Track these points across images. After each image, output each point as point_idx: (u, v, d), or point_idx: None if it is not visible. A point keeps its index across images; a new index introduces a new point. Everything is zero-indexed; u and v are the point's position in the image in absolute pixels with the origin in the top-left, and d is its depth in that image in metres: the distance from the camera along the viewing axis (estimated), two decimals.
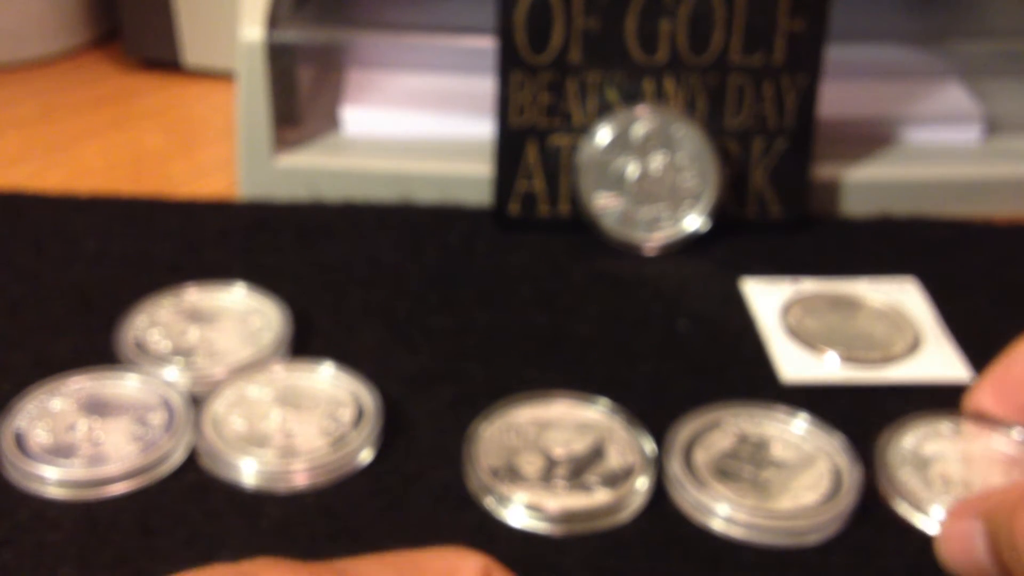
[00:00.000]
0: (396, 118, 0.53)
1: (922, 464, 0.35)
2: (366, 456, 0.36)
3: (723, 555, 0.33)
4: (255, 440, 0.36)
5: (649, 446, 0.36)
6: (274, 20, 0.50)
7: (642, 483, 0.35)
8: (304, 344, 0.41)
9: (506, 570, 0.26)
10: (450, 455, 0.36)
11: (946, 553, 0.31)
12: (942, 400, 0.38)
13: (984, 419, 0.36)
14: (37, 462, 0.35)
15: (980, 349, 0.41)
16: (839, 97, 0.52)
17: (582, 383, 0.39)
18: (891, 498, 0.35)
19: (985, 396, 0.37)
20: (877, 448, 0.36)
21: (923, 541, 0.33)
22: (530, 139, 0.48)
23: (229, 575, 0.23)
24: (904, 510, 0.34)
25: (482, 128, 0.51)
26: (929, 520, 0.34)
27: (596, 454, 0.35)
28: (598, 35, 0.47)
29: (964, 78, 0.57)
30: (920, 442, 0.36)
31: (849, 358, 0.41)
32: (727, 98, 0.48)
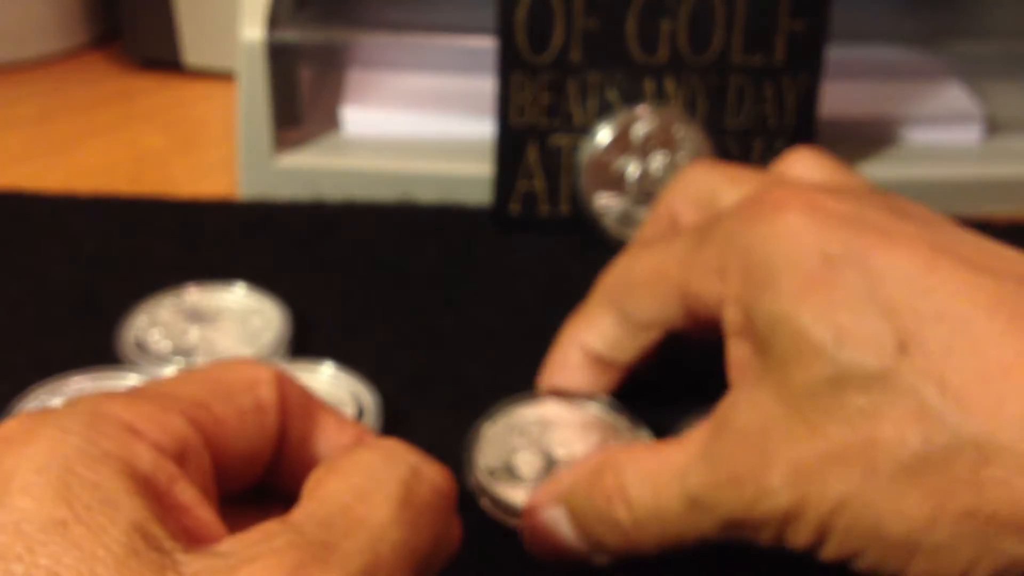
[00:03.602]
0: (396, 118, 0.53)
1: None
2: None
3: (726, 554, 0.33)
4: None
5: None
6: (274, 20, 0.50)
7: None
8: (304, 344, 0.41)
9: (296, 382, 0.27)
10: (450, 455, 0.36)
11: (536, 548, 0.31)
12: None
13: (563, 393, 0.37)
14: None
15: None
16: (839, 97, 0.52)
17: None
18: None
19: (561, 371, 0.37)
20: None
21: None
22: (530, 139, 0.48)
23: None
24: None
25: (482, 128, 0.51)
26: None
27: None
28: (598, 35, 0.47)
29: (964, 78, 0.57)
30: None
31: None
32: (727, 98, 0.48)
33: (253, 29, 0.49)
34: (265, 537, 0.20)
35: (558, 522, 0.30)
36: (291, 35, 0.51)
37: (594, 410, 0.36)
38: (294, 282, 0.45)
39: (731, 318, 0.30)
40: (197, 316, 0.42)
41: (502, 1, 0.46)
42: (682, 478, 0.28)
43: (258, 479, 0.26)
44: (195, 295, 0.43)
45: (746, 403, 0.28)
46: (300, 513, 0.21)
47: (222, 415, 0.24)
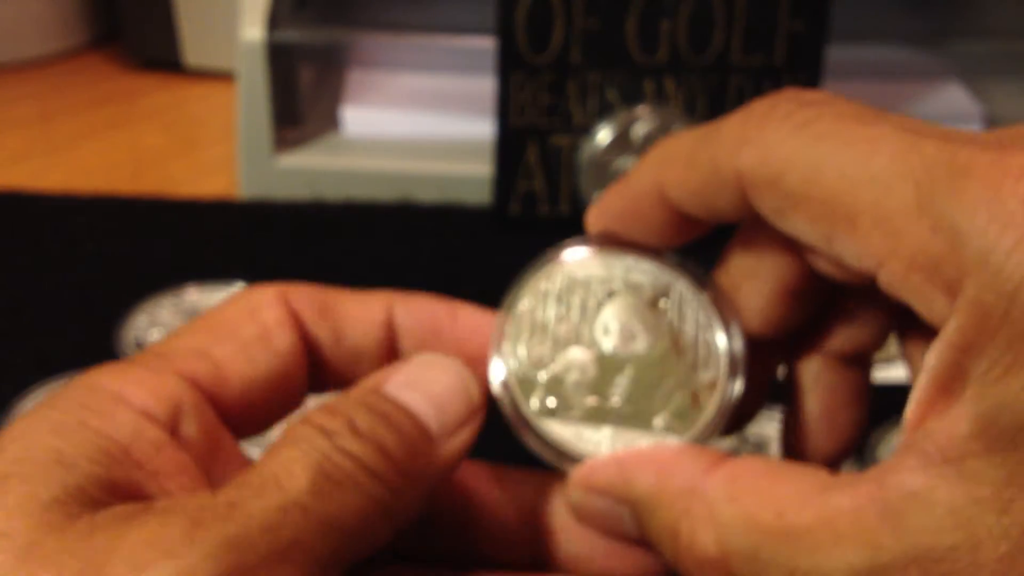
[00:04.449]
0: (396, 118, 0.53)
1: None
2: None
3: None
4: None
5: None
6: (274, 20, 0.50)
7: None
8: None
9: (303, 286, 0.26)
10: None
11: (587, 523, 0.25)
12: None
13: (614, 240, 0.26)
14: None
15: None
16: None
17: None
18: None
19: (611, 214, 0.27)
20: (868, 446, 0.36)
21: None
22: (530, 139, 0.48)
23: None
24: None
25: (482, 128, 0.51)
26: None
27: None
28: (598, 35, 0.47)
29: (964, 78, 0.57)
30: None
31: None
32: (727, 98, 0.48)
33: (253, 29, 0.49)
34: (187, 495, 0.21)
35: (622, 518, 0.24)
36: (291, 35, 0.51)
37: (666, 278, 0.26)
38: (294, 282, 0.45)
39: (941, 304, 0.20)
40: (197, 316, 0.42)
41: (502, 1, 0.46)
42: (861, 543, 0.20)
43: (304, 393, 0.26)
44: (195, 295, 0.43)
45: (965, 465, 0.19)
46: (232, 483, 0.21)
47: (223, 356, 0.24)
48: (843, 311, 0.26)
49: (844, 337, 0.26)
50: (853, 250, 0.21)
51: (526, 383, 0.25)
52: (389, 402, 0.23)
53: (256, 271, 0.45)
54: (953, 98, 0.56)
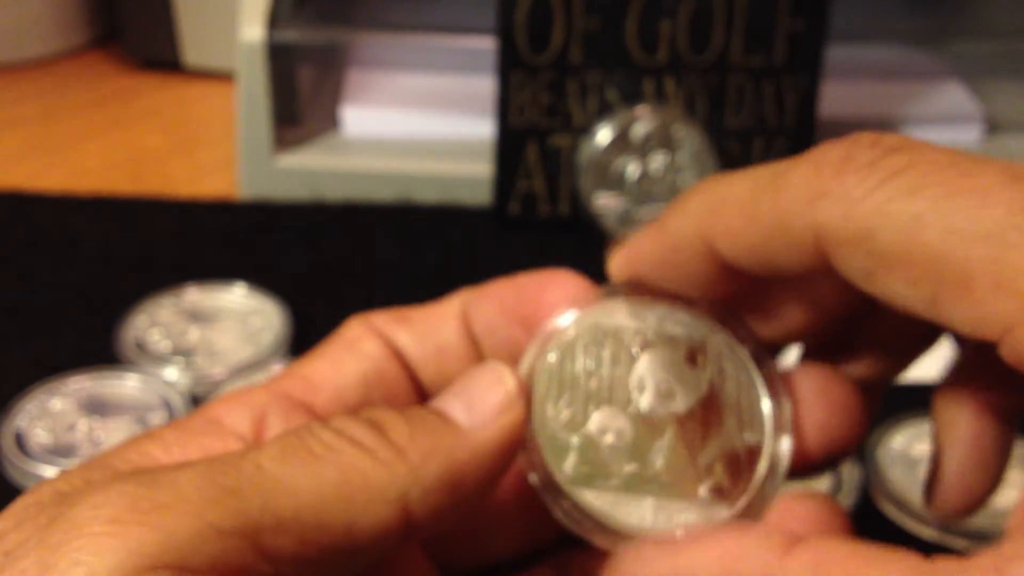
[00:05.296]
0: (396, 118, 0.53)
1: (912, 464, 0.35)
2: None
3: None
4: None
5: None
6: (274, 20, 0.50)
7: None
8: (304, 344, 0.41)
9: (380, 310, 0.26)
10: None
11: None
12: None
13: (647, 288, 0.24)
14: (37, 462, 0.35)
15: None
16: (839, 97, 0.52)
17: None
18: (881, 498, 0.35)
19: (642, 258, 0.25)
20: (867, 448, 0.36)
21: (913, 541, 0.33)
22: (530, 139, 0.48)
23: None
24: (892, 511, 0.34)
25: (482, 128, 0.51)
26: (919, 521, 0.34)
27: None
28: (598, 35, 0.47)
29: (964, 78, 0.57)
30: (909, 442, 0.36)
31: None
32: (727, 98, 0.48)
33: (253, 29, 0.49)
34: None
35: None
36: (291, 35, 0.51)
37: (703, 331, 0.24)
38: (294, 282, 0.45)
39: None
40: (197, 316, 0.42)
41: (502, 1, 0.46)
42: None
43: (413, 397, 0.25)
44: (195, 295, 0.43)
45: None
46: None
47: (310, 370, 0.24)
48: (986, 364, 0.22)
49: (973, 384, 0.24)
50: (969, 315, 0.19)
51: (556, 447, 0.22)
52: (412, 407, 0.22)
53: (256, 271, 0.45)
54: (953, 98, 0.56)
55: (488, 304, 0.25)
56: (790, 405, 0.23)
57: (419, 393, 0.25)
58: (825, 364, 0.25)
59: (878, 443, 0.36)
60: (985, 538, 0.33)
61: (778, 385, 0.23)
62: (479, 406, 0.22)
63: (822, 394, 0.24)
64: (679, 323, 0.23)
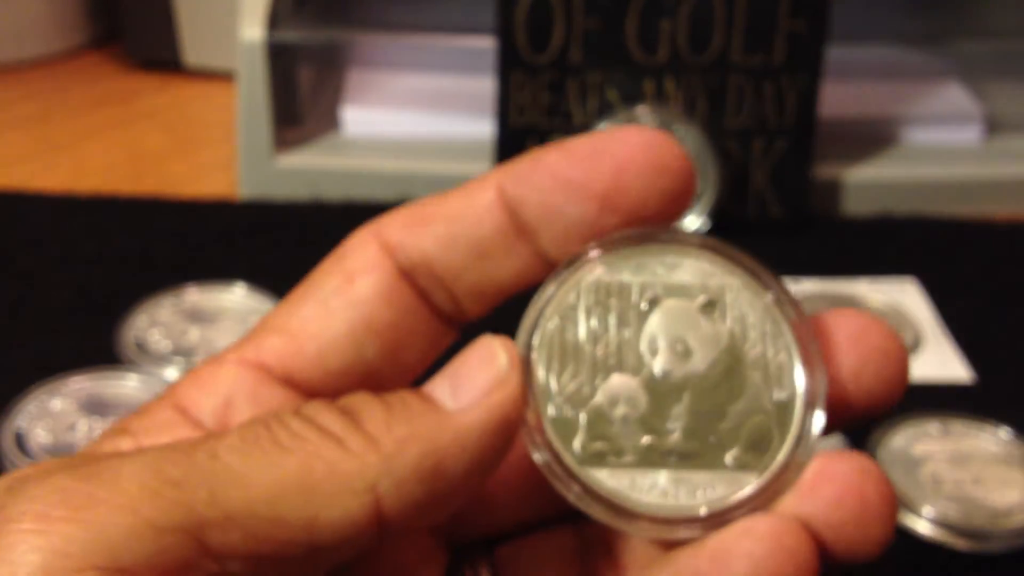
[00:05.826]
0: (396, 118, 0.53)
1: (912, 464, 0.35)
2: None
3: None
4: None
5: None
6: (274, 20, 0.50)
7: None
8: None
9: (401, 209, 0.22)
10: None
11: None
12: (941, 400, 0.38)
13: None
14: (37, 462, 0.35)
15: (980, 349, 0.41)
16: (839, 97, 0.52)
17: None
18: None
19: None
20: (868, 448, 0.36)
21: (912, 541, 0.33)
22: (530, 139, 0.48)
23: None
24: None
25: (482, 128, 0.51)
26: (919, 520, 0.34)
27: None
28: (598, 35, 0.47)
29: (964, 78, 0.57)
30: (910, 442, 0.36)
31: None
32: (727, 98, 0.48)
33: (253, 29, 0.49)
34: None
35: None
36: (291, 35, 0.51)
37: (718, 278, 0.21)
38: (294, 282, 0.45)
39: None
40: (197, 316, 0.42)
41: (502, 1, 0.46)
42: None
43: (444, 331, 0.22)
44: (195, 295, 0.43)
45: None
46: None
47: (299, 323, 0.22)
48: None
49: None
50: None
51: (564, 425, 0.20)
52: (395, 392, 0.20)
53: (256, 271, 0.45)
54: (953, 98, 0.56)
55: (541, 179, 0.21)
56: (822, 355, 0.20)
57: (446, 325, 0.22)
58: (860, 309, 0.22)
59: (878, 443, 0.36)
60: (985, 538, 0.33)
61: (808, 333, 0.20)
62: (466, 385, 0.19)
63: (859, 340, 0.21)
64: (690, 270, 0.21)
